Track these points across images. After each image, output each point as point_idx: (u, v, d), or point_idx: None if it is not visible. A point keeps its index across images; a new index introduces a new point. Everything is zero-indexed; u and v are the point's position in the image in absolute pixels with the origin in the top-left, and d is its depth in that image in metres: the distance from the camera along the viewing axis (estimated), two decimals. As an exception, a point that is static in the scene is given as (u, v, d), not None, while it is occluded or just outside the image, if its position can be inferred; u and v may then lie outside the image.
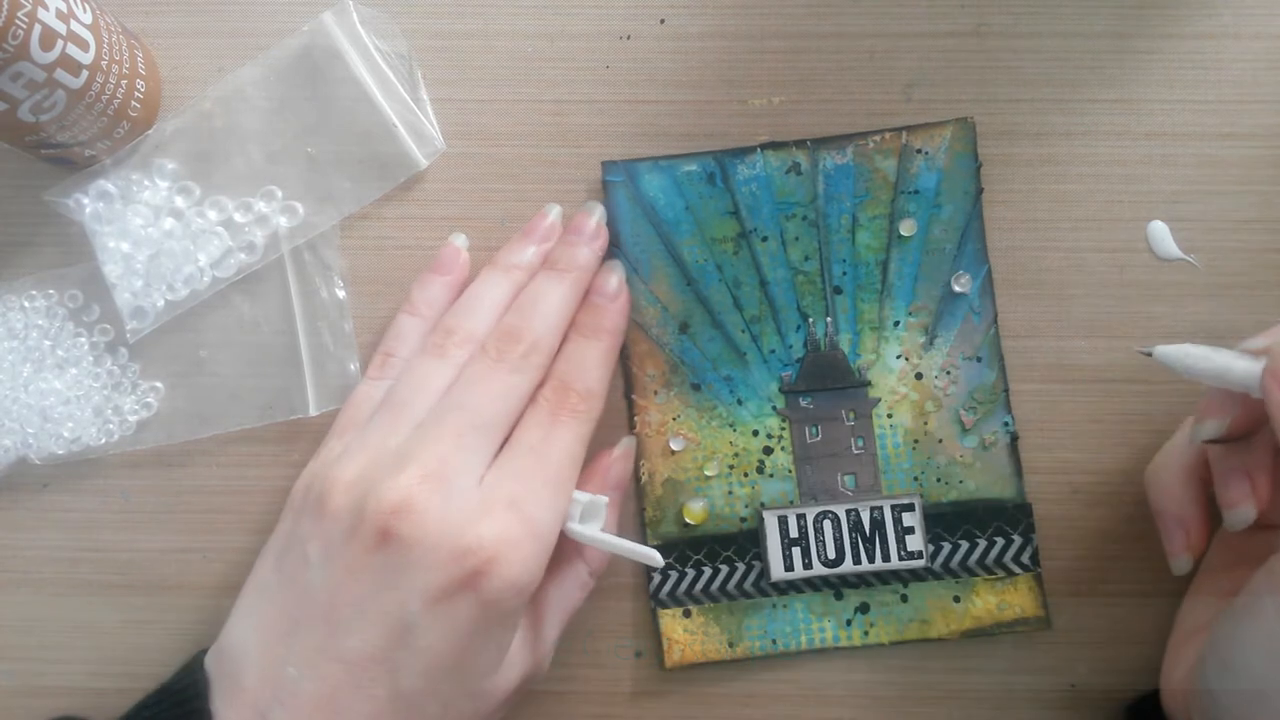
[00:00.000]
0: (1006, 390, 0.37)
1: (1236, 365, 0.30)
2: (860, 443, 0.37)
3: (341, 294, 0.38)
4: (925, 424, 0.37)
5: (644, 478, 0.38)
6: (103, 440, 0.38)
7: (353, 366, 0.38)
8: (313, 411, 0.38)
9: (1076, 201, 0.38)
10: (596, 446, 0.36)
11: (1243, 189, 0.38)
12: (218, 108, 0.38)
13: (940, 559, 0.37)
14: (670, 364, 0.38)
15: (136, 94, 0.37)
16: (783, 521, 0.37)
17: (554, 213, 0.38)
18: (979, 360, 0.37)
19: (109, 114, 0.36)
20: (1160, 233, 0.38)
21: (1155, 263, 0.38)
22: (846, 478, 0.37)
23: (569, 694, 0.38)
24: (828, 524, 0.37)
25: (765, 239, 0.38)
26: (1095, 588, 0.37)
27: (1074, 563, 0.37)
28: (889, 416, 0.37)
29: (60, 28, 0.32)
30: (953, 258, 0.38)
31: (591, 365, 0.35)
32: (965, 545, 0.37)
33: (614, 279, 0.37)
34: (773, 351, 0.38)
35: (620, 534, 0.36)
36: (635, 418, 0.38)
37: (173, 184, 0.38)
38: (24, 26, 0.30)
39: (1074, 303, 0.38)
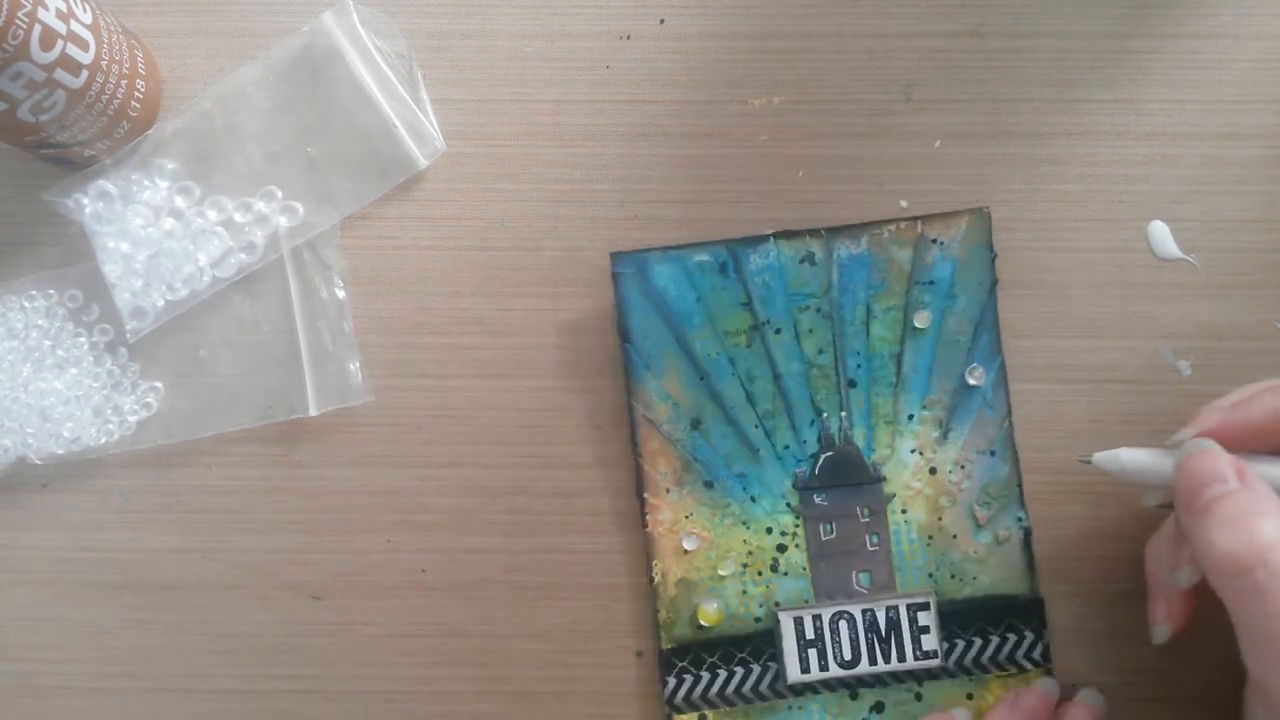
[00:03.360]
0: (1020, 485, 0.37)
1: (1167, 465, 0.32)
2: (875, 539, 0.37)
3: (341, 294, 0.38)
4: (939, 519, 0.37)
5: (657, 578, 0.37)
6: (102, 440, 0.38)
7: (353, 366, 0.38)
8: (313, 411, 0.38)
9: (1077, 201, 0.38)
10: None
11: (1243, 189, 0.38)
12: (218, 108, 0.38)
13: (954, 656, 0.36)
14: (682, 461, 0.37)
15: (136, 94, 0.37)
16: (799, 622, 0.37)
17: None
18: (992, 454, 0.37)
19: (109, 114, 0.36)
20: (1160, 233, 0.38)
21: (1155, 263, 0.38)
22: (862, 575, 0.37)
23: (569, 694, 0.38)
24: (843, 624, 0.36)
25: (779, 331, 0.37)
26: (1094, 585, 0.37)
27: (1071, 561, 0.37)
28: (903, 512, 0.37)
29: (60, 28, 0.32)
30: (967, 350, 0.37)
31: None
32: (979, 642, 0.36)
33: None
34: (786, 447, 0.37)
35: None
36: (647, 516, 0.37)
37: (173, 184, 0.38)
38: (24, 26, 0.30)
39: (1074, 303, 0.38)
